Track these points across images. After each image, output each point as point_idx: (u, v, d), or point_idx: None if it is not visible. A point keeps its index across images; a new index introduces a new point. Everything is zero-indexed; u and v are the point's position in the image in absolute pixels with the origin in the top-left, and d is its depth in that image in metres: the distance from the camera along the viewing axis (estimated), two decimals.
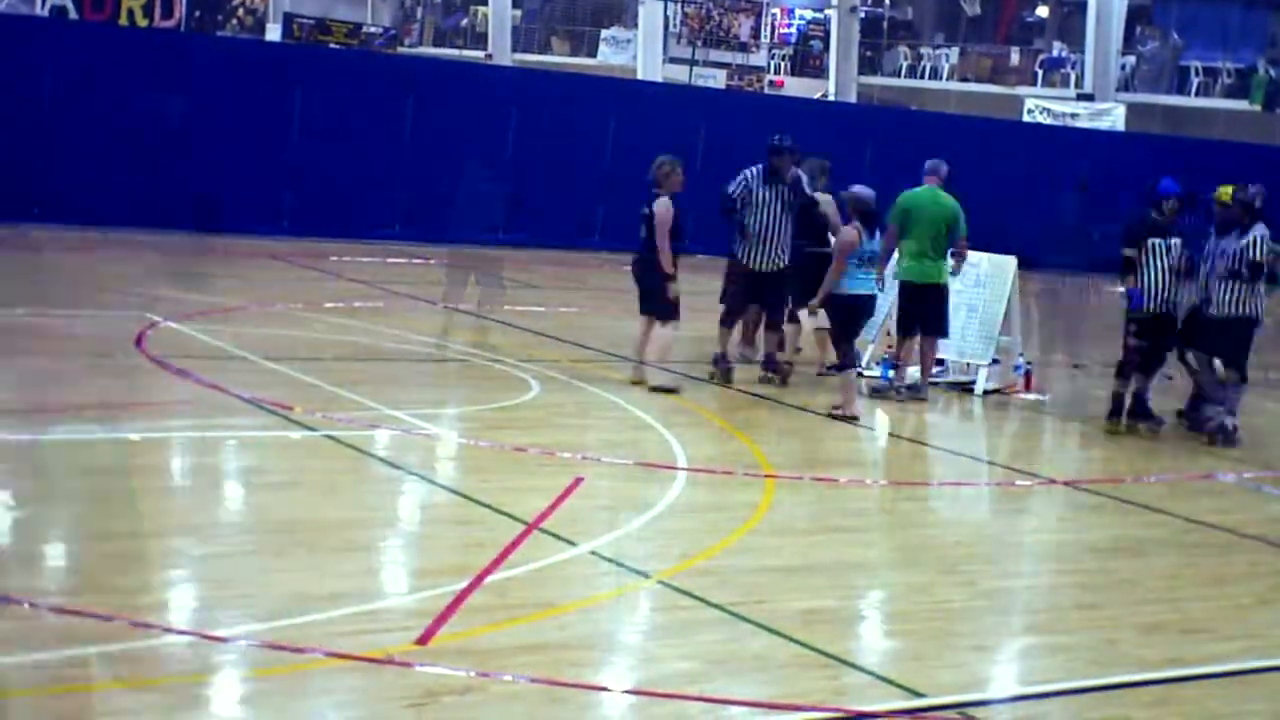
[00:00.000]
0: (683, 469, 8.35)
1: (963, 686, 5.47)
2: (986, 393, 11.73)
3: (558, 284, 17.12)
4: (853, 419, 10.16)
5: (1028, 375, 11.94)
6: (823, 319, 11.15)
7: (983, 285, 11.98)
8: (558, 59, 36.92)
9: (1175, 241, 10.44)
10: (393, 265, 17.17)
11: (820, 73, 36.50)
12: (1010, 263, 12.05)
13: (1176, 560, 7.69)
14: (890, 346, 12.00)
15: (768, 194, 11.18)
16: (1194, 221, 11.68)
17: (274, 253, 16.85)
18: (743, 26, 36.99)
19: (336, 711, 4.81)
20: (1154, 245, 10.39)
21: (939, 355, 11.72)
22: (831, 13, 35.45)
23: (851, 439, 10.38)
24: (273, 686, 4.91)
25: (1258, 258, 10.21)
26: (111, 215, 17.30)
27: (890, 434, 10.37)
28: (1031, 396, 11.76)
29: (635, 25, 35.01)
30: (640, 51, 33.68)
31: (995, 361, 11.97)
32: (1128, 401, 10.56)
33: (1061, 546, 7.94)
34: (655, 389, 10.44)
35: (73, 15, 24.06)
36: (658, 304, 10.65)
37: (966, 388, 11.81)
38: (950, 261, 11.37)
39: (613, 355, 12.00)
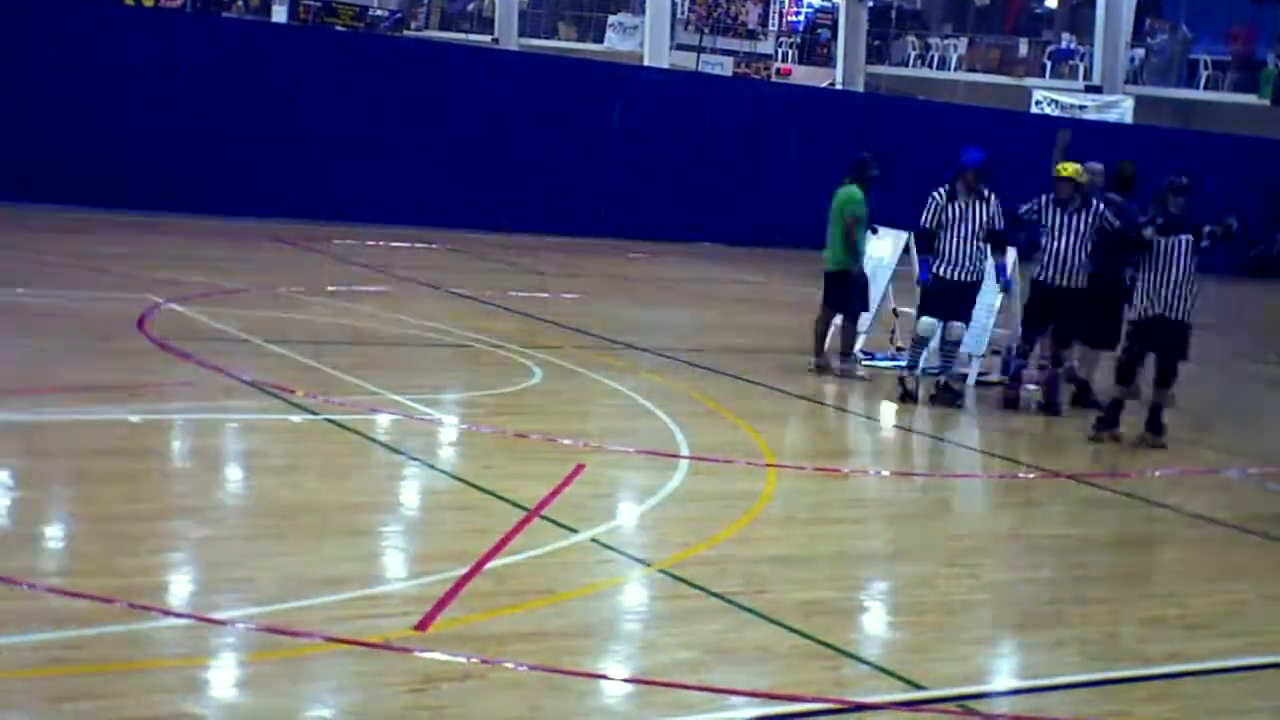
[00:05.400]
0: (685, 457, 8.32)
1: (963, 679, 5.45)
2: (988, 384, 11.69)
3: (562, 270, 17.08)
4: None
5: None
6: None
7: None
8: (564, 44, 36.84)
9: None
10: (396, 249, 17.14)
11: (828, 61, 36.39)
12: (1009, 255, 11.99)
13: (1179, 555, 7.66)
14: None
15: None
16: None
17: (277, 235, 16.82)
18: (750, 14, 36.91)
19: (335, 696, 4.79)
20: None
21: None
22: (839, 1, 35.35)
23: (855, 429, 10.36)
24: (271, 670, 4.89)
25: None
26: (114, 196, 17.27)
27: (894, 425, 10.34)
28: (1031, 388, 11.73)
29: (642, 11, 34.91)
30: (647, 38, 33.57)
31: (995, 353, 11.94)
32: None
33: (1064, 540, 7.91)
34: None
35: None
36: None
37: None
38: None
39: (615, 342, 11.97)
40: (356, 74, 19.28)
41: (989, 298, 11.70)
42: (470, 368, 10.74)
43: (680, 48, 34.45)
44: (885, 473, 8.97)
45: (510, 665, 5.03)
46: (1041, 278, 10.81)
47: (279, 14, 32.18)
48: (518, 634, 5.33)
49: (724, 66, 33.98)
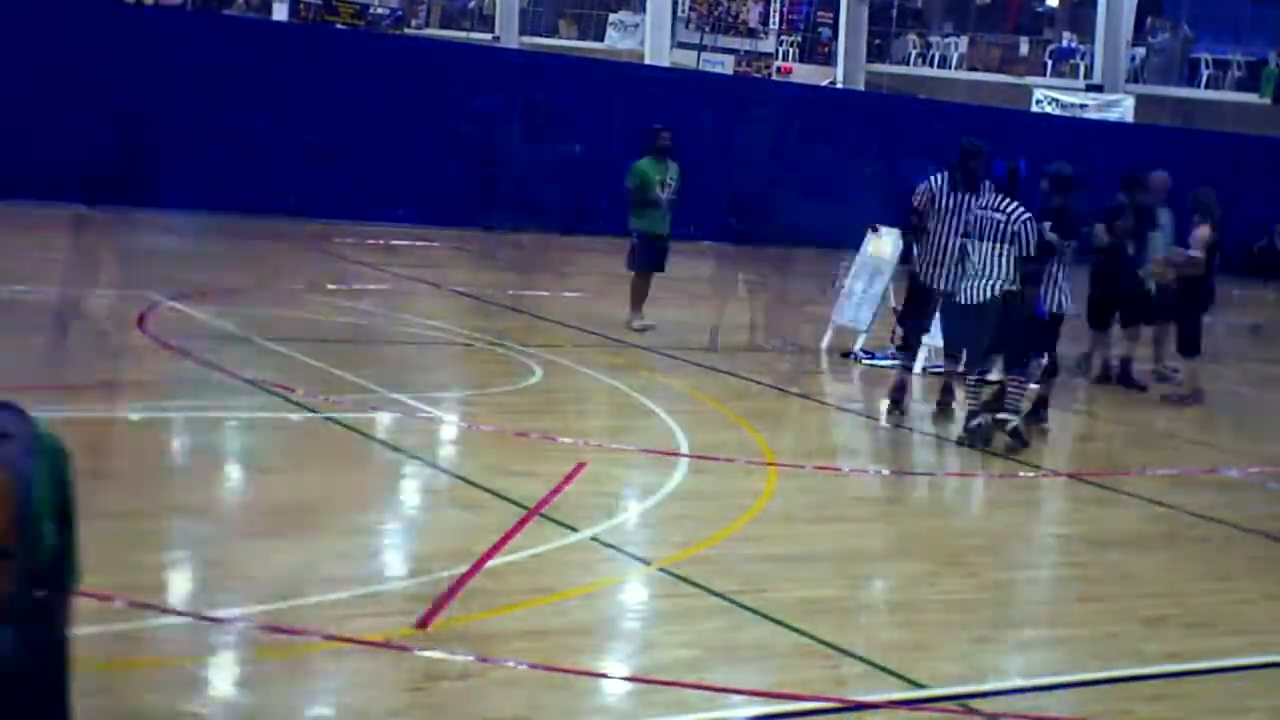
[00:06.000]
0: (685, 455, 8.32)
1: (963, 678, 5.45)
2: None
3: (562, 268, 17.07)
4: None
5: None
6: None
7: None
8: (565, 42, 36.80)
9: None
10: (396, 247, 17.13)
11: (828, 60, 36.36)
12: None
13: (1179, 554, 7.66)
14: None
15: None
16: None
17: (277, 233, 16.81)
18: (751, 12, 36.88)
19: (335, 695, 4.79)
20: None
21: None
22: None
23: (855, 428, 10.36)
24: (271, 669, 4.89)
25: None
26: (114, 193, 17.24)
27: (894, 424, 10.34)
28: (1033, 387, 11.72)
29: (643, 9, 34.89)
30: (648, 36, 33.56)
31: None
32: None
33: (1064, 539, 7.91)
34: None
35: None
36: None
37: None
38: None
39: (616, 340, 11.97)
40: (357, 72, 19.27)
41: None
42: (471, 366, 10.74)
43: (681, 46, 34.42)
44: (885, 471, 8.97)
45: (510, 664, 5.02)
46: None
47: (280, 12, 32.18)
48: (518, 632, 5.33)
49: (725, 65, 33.95)
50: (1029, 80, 32.83)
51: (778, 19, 38.09)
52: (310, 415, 8.38)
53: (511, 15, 35.15)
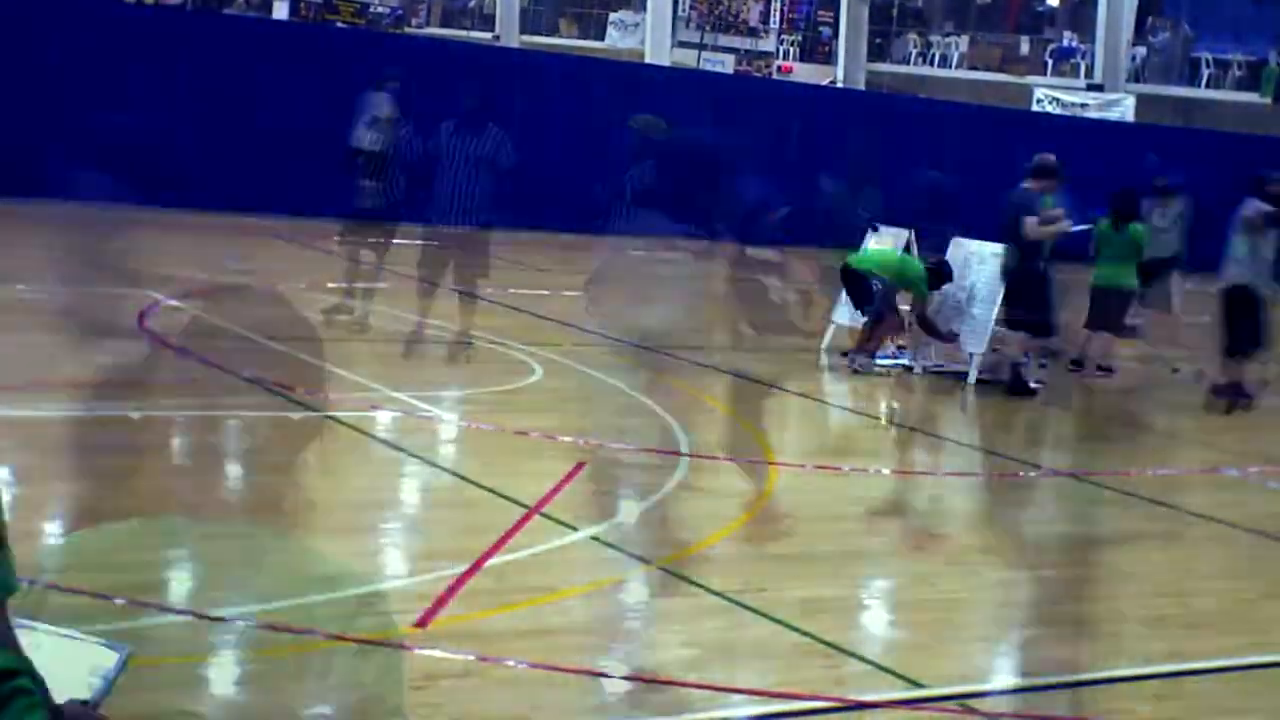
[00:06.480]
0: (685, 455, 8.31)
1: (963, 677, 5.44)
2: (986, 383, 11.67)
3: (562, 268, 17.06)
4: None
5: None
6: None
7: (977, 274, 11.92)
8: (565, 41, 36.79)
9: None
10: (396, 246, 17.10)
11: (829, 59, 36.35)
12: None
13: (1180, 554, 7.65)
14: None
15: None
16: None
17: (277, 231, 16.81)
18: (752, 11, 36.88)
19: (334, 693, 4.79)
20: None
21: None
22: None
23: (855, 427, 10.35)
24: (271, 667, 4.89)
25: None
26: (115, 192, 17.24)
27: (894, 423, 10.34)
28: (1033, 386, 11.72)
29: (644, 8, 34.88)
30: (648, 35, 33.55)
31: (995, 351, 11.93)
32: None
33: (1065, 538, 7.91)
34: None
35: None
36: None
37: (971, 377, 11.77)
38: None
39: (616, 340, 11.96)
40: (358, 71, 19.25)
41: (991, 292, 11.71)
42: (470, 365, 10.73)
43: (681, 45, 34.41)
44: (885, 471, 8.96)
45: (510, 663, 5.02)
46: None
47: (280, 10, 32.16)
48: (518, 631, 5.33)
49: (725, 64, 33.95)
50: (1029, 80, 32.83)
51: (778, 18, 38.07)
52: (310, 414, 8.37)
53: (512, 14, 35.12)
